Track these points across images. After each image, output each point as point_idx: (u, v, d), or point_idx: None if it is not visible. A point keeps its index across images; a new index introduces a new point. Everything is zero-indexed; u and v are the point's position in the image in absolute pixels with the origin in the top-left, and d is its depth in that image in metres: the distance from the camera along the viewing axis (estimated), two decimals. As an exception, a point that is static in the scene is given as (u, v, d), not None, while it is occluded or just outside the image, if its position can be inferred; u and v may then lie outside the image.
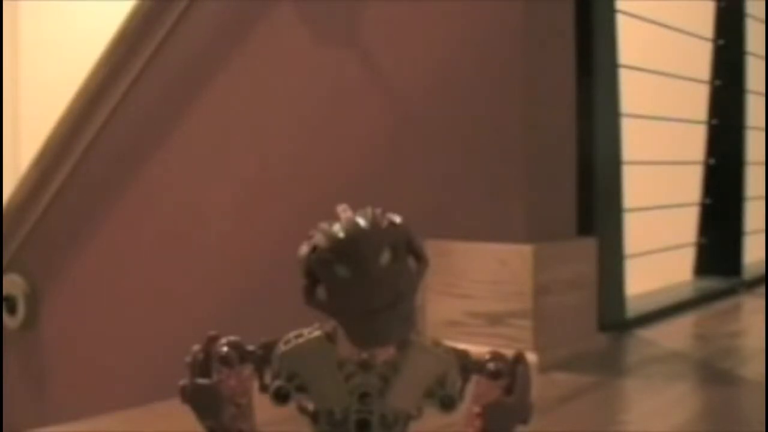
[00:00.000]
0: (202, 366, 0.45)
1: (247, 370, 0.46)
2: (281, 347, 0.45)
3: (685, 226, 1.74)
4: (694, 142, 1.77)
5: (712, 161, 1.74)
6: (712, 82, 1.75)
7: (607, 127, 1.25)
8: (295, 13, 1.28)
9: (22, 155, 2.86)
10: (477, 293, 1.06)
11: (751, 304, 1.59)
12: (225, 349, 0.45)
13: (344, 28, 1.24)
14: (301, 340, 0.45)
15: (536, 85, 1.09)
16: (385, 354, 0.45)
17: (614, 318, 1.23)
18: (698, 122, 1.75)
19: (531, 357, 0.96)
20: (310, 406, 0.45)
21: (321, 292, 0.43)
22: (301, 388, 0.45)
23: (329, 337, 0.45)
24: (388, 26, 1.20)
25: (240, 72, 1.36)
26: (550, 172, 1.12)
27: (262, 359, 0.45)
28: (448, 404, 0.46)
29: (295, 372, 0.45)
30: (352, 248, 0.43)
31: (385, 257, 0.43)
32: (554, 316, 1.05)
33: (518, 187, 1.08)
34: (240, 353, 0.45)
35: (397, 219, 0.44)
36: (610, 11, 1.26)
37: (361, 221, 0.43)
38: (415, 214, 0.49)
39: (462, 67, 1.13)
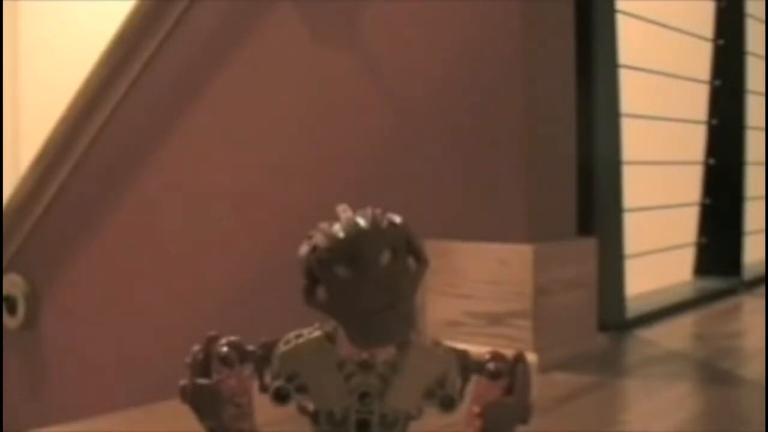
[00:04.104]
0: (202, 366, 0.45)
1: (247, 370, 0.46)
2: (281, 347, 0.45)
3: (685, 226, 1.74)
4: (694, 142, 1.77)
5: (712, 161, 1.74)
6: (712, 82, 1.75)
7: (607, 127, 1.25)
8: (295, 13, 1.28)
9: (22, 155, 2.86)
10: (477, 293, 1.06)
11: (751, 304, 1.59)
12: (225, 349, 0.45)
13: (344, 28, 1.24)
14: (301, 341, 0.45)
15: (536, 85, 1.09)
16: (385, 354, 0.45)
17: (614, 318, 1.23)
18: (698, 122, 1.75)
19: (531, 357, 0.96)
20: (310, 407, 0.45)
21: (321, 292, 0.43)
22: (301, 389, 0.45)
23: (329, 337, 0.45)
24: (388, 26, 1.20)
25: (240, 72, 1.36)
26: (550, 172, 1.12)
27: (262, 359, 0.45)
28: (448, 404, 0.46)
29: (295, 372, 0.45)
30: (352, 248, 0.43)
31: (385, 257, 0.43)
32: (554, 316, 1.05)
33: (518, 187, 1.08)
34: (240, 353, 0.46)
35: (397, 219, 0.44)
36: (610, 11, 1.26)
37: (361, 221, 0.43)
38: (415, 214, 0.49)
39: (462, 67, 1.13)
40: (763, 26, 1.84)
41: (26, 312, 1.66)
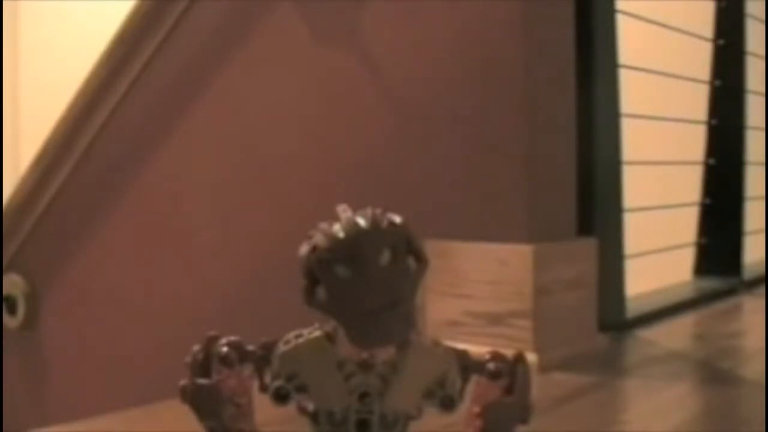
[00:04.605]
0: (202, 366, 0.45)
1: (247, 370, 0.46)
2: (281, 347, 0.45)
3: (685, 226, 1.74)
4: (694, 142, 1.77)
5: (712, 161, 1.74)
6: (712, 82, 1.75)
7: (607, 127, 1.25)
8: (295, 13, 1.28)
9: (22, 155, 2.86)
10: (477, 293, 1.06)
11: (751, 304, 1.59)
12: (225, 349, 0.45)
13: (344, 28, 1.24)
14: (301, 341, 0.45)
15: (536, 85, 1.09)
16: (385, 354, 0.45)
17: (614, 318, 1.23)
18: (698, 122, 1.75)
19: (531, 357, 0.96)
20: (310, 406, 0.45)
21: (321, 293, 0.43)
22: (301, 388, 0.45)
23: (329, 337, 0.45)
24: (388, 26, 1.20)
25: (240, 72, 1.36)
26: (550, 172, 1.12)
27: (262, 359, 0.45)
28: (448, 404, 0.46)
29: (295, 372, 0.45)
30: (352, 248, 0.43)
31: (385, 257, 0.43)
32: (554, 316, 1.05)
33: (518, 187, 1.08)
34: (240, 353, 0.45)
35: (397, 219, 0.44)
36: (610, 11, 1.26)
37: (361, 221, 0.43)
38: (415, 214, 0.49)
39: (462, 67, 1.13)
40: (763, 26, 1.84)
41: (26, 312, 1.66)
